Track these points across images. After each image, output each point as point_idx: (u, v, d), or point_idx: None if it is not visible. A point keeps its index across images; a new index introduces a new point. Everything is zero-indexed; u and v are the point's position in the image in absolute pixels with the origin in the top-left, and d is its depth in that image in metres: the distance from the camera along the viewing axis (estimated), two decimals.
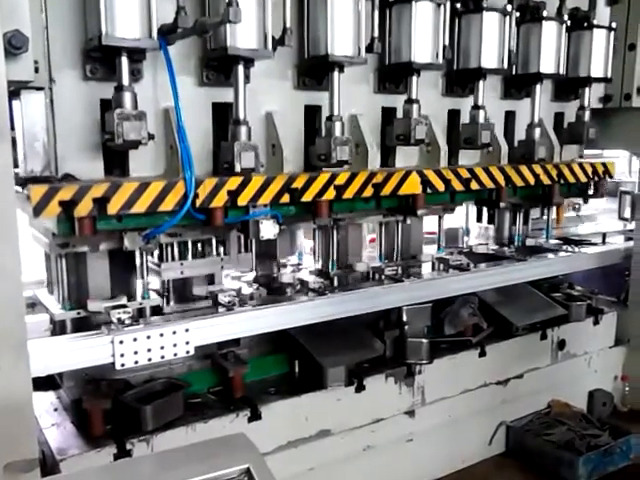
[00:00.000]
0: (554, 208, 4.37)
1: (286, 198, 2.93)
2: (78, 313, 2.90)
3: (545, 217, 4.55)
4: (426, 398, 3.76)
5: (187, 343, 2.77)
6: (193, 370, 3.28)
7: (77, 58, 2.58)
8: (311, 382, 3.38)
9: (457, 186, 3.49)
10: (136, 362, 2.67)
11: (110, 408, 2.87)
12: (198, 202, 2.69)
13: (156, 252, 3.09)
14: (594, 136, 4.15)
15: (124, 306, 2.84)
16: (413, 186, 3.32)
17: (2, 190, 2.09)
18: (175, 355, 2.75)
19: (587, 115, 4.13)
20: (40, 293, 3.16)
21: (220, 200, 2.74)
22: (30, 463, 2.08)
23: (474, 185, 3.56)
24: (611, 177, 4.28)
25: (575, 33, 3.98)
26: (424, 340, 3.70)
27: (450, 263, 3.94)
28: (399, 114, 3.43)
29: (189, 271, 3.15)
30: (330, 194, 3.05)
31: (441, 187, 3.42)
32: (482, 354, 3.98)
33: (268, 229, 2.89)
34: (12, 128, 2.37)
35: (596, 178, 4.18)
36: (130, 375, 3.08)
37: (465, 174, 3.52)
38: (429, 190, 3.39)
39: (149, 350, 2.68)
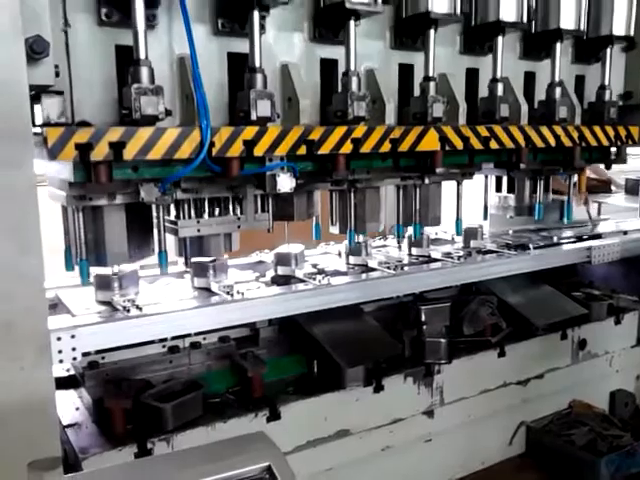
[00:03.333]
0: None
1: (303, 150, 2.88)
2: (98, 312, 2.93)
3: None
4: (445, 398, 3.74)
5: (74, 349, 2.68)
6: (212, 370, 3.30)
7: (92, 2, 2.56)
8: (330, 382, 3.38)
9: (476, 144, 3.41)
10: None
11: (131, 407, 2.90)
12: (214, 151, 2.66)
13: (172, 212, 3.08)
14: (615, 115, 4.02)
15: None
16: (431, 142, 3.25)
17: (25, 196, 2.13)
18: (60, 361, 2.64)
19: (607, 94, 4.00)
20: (61, 293, 3.20)
21: (236, 150, 2.71)
22: (53, 461, 2.10)
23: (493, 144, 3.47)
24: (635, 142, 4.13)
25: None
26: (443, 340, 3.68)
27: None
28: (416, 71, 3.38)
29: (206, 229, 3.11)
30: (347, 147, 2.99)
31: (460, 145, 3.35)
32: (501, 354, 3.95)
33: (285, 182, 2.86)
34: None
35: (619, 142, 4.07)
36: (150, 375, 3.12)
37: (484, 132, 3.44)
38: (447, 147, 3.32)
39: None
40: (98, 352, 2.97)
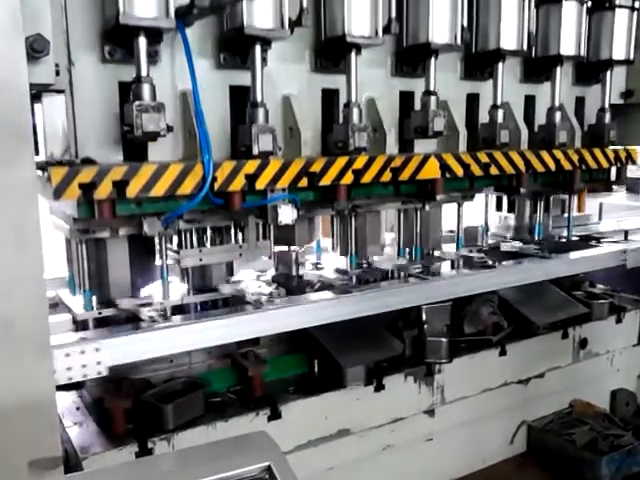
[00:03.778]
0: (575, 206, 4.29)
1: (304, 182, 2.90)
2: (100, 313, 2.93)
3: (566, 214, 4.46)
4: (446, 397, 3.74)
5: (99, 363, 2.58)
6: (213, 369, 3.30)
7: (95, 40, 2.58)
8: (330, 381, 3.38)
9: (476, 171, 3.43)
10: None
11: (131, 407, 2.90)
12: (216, 186, 2.67)
13: (175, 241, 3.10)
14: (615, 138, 4.06)
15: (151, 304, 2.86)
16: (432, 170, 3.27)
17: (25, 195, 2.12)
18: (85, 376, 2.54)
19: (607, 117, 4.04)
20: (62, 293, 3.20)
21: (238, 184, 2.73)
22: (53, 461, 2.10)
23: (493, 170, 3.50)
24: (634, 163, 4.16)
25: (596, 14, 3.87)
26: (443, 339, 3.68)
27: (474, 261, 3.84)
28: (417, 98, 3.38)
29: (208, 258, 3.14)
30: (348, 178, 3.01)
31: (460, 172, 3.37)
32: (502, 353, 3.95)
33: (287, 213, 2.86)
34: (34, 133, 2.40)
35: (618, 164, 4.09)
36: (151, 374, 3.11)
37: (484, 159, 3.45)
38: (448, 175, 3.33)
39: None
40: None
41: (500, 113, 3.53)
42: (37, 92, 2.41)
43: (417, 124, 3.28)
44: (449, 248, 4.09)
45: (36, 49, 2.15)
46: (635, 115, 4.42)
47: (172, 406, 2.88)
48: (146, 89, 2.51)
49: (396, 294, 3.32)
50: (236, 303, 3.16)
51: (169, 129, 2.55)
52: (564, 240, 4.58)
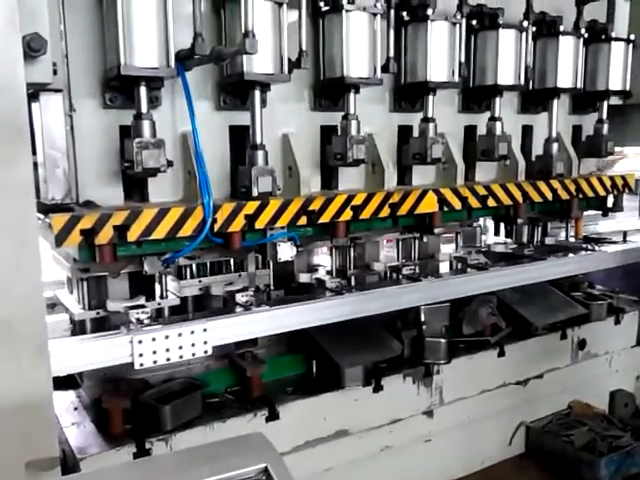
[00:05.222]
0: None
1: (303, 220, 2.96)
2: (97, 313, 2.93)
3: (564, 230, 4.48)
4: (444, 398, 3.73)
5: (205, 342, 2.76)
6: (211, 370, 3.29)
7: (96, 87, 2.63)
8: (329, 382, 3.38)
9: (474, 203, 3.50)
10: (155, 362, 2.67)
11: (129, 407, 2.89)
12: (216, 227, 2.72)
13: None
14: (613, 149, 4.11)
15: (143, 306, 2.85)
16: (430, 205, 3.33)
17: (22, 195, 2.12)
18: (193, 355, 2.75)
19: (605, 128, 4.07)
20: (60, 293, 3.19)
21: (238, 224, 2.77)
22: (51, 462, 2.10)
23: (491, 202, 3.57)
24: (630, 191, 4.23)
25: (593, 46, 3.94)
26: (442, 340, 3.68)
27: (468, 262, 3.89)
28: (415, 133, 3.43)
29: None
30: (347, 215, 3.07)
31: (458, 205, 3.43)
32: (501, 354, 3.95)
33: (286, 251, 2.92)
34: (32, 133, 2.39)
35: (615, 192, 4.14)
36: (149, 375, 3.11)
37: (482, 191, 3.52)
38: (446, 208, 3.40)
39: (167, 350, 2.68)
40: None
41: (502, 145, 3.56)
42: (34, 91, 2.40)
43: (416, 151, 3.34)
44: (446, 249, 4.09)
45: (33, 48, 2.14)
46: (634, 116, 4.42)
47: (170, 407, 2.88)
48: (146, 126, 2.55)
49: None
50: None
51: (169, 164, 2.59)
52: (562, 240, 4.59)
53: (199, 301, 3.27)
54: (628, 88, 4.05)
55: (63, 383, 3.12)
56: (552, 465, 4.02)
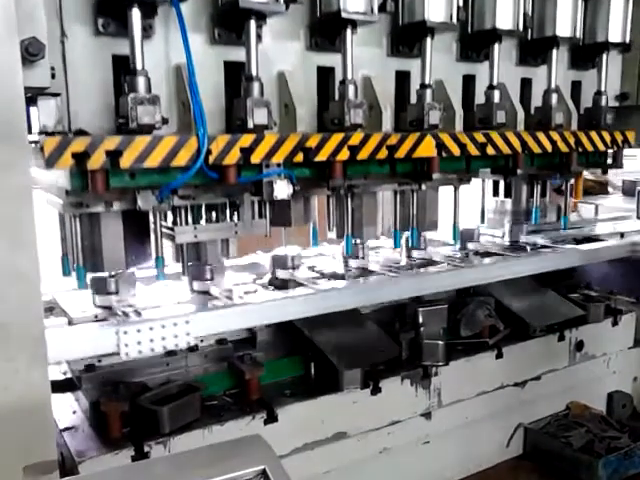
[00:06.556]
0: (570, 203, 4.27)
1: (300, 157, 2.90)
2: (96, 316, 2.92)
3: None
4: (442, 400, 3.73)
5: (187, 334, 2.72)
6: (209, 372, 3.29)
7: (89, 13, 2.58)
8: (327, 384, 3.38)
9: (472, 151, 3.43)
10: (140, 352, 2.64)
11: (128, 410, 2.89)
12: (211, 159, 2.67)
13: (170, 218, 3.09)
14: (612, 121, 4.06)
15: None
16: (428, 149, 3.26)
17: (21, 198, 2.12)
18: (176, 346, 2.72)
19: (604, 99, 4.03)
20: (59, 296, 3.19)
21: (233, 157, 2.72)
22: (49, 465, 2.10)
23: (490, 150, 3.49)
24: (630, 146, 4.17)
25: None
26: (440, 342, 3.68)
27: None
28: (413, 79, 3.40)
29: (203, 235, 3.13)
30: (344, 154, 3.01)
31: (456, 151, 3.37)
32: (499, 356, 3.95)
33: (282, 189, 2.87)
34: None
35: (615, 147, 4.09)
36: (147, 377, 3.11)
37: (481, 138, 3.46)
38: (444, 154, 3.33)
39: (152, 340, 2.65)
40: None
41: (496, 94, 3.53)
42: (32, 95, 2.41)
43: (413, 117, 3.29)
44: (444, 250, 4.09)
45: (31, 52, 2.16)
46: (630, 118, 4.43)
47: (168, 409, 2.87)
48: (141, 81, 2.52)
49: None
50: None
51: (164, 121, 2.56)
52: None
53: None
54: (628, 40, 4.00)
55: (61, 386, 3.13)
56: (550, 467, 4.01)
